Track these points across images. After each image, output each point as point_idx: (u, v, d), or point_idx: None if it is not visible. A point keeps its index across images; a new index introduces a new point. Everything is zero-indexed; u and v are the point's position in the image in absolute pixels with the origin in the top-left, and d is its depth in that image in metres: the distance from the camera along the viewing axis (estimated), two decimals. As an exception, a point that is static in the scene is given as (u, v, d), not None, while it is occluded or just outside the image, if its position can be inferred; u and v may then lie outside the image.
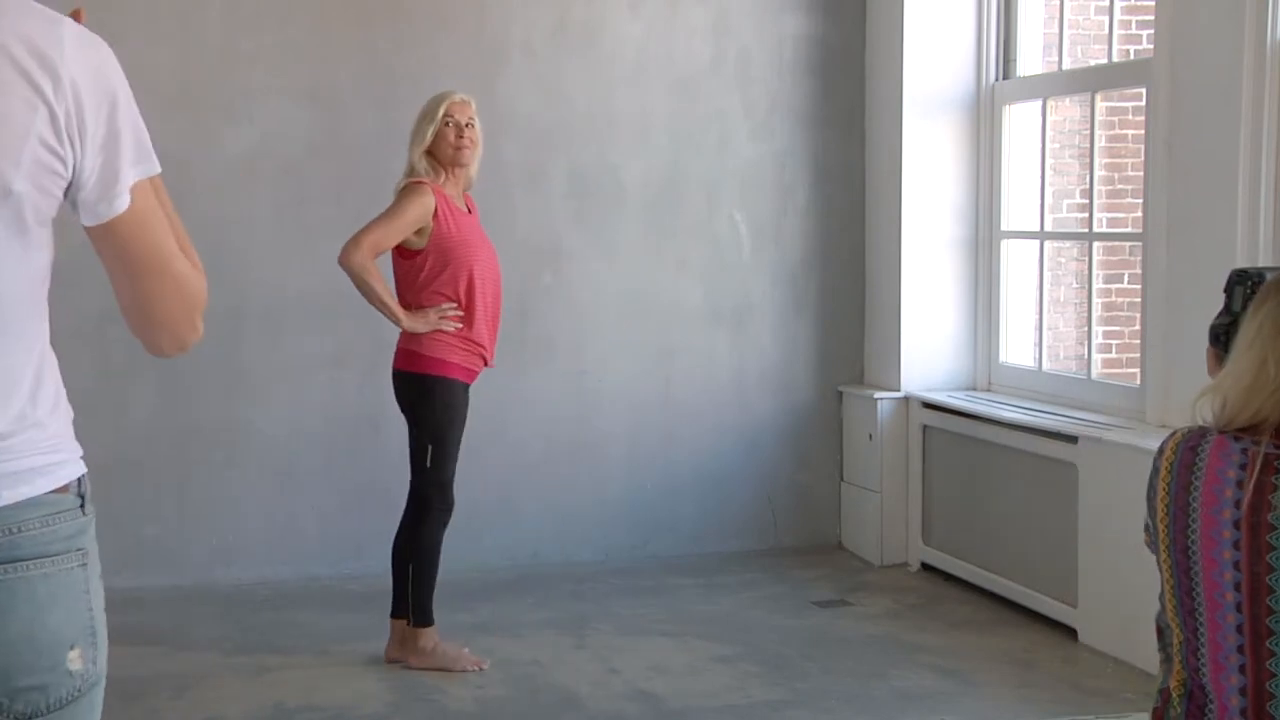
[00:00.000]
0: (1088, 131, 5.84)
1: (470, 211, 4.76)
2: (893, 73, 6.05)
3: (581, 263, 6.06)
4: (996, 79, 5.96)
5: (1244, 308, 2.12)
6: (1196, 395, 2.07)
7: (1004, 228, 5.96)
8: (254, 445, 5.76)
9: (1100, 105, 5.85)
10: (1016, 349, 5.99)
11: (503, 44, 5.93)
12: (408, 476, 4.71)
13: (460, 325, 4.61)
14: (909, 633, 5.14)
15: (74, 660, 1.76)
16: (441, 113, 4.65)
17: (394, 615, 4.75)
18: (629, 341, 6.12)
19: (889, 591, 5.69)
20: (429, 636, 4.70)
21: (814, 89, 6.28)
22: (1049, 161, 5.93)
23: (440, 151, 4.66)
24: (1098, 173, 6.08)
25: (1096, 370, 5.69)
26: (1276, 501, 1.93)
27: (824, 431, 6.36)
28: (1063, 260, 8.06)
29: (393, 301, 4.60)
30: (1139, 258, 5.38)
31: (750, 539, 6.26)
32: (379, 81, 5.77)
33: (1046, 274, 6.10)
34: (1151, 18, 5.04)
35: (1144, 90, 5.08)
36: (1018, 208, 5.96)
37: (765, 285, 6.27)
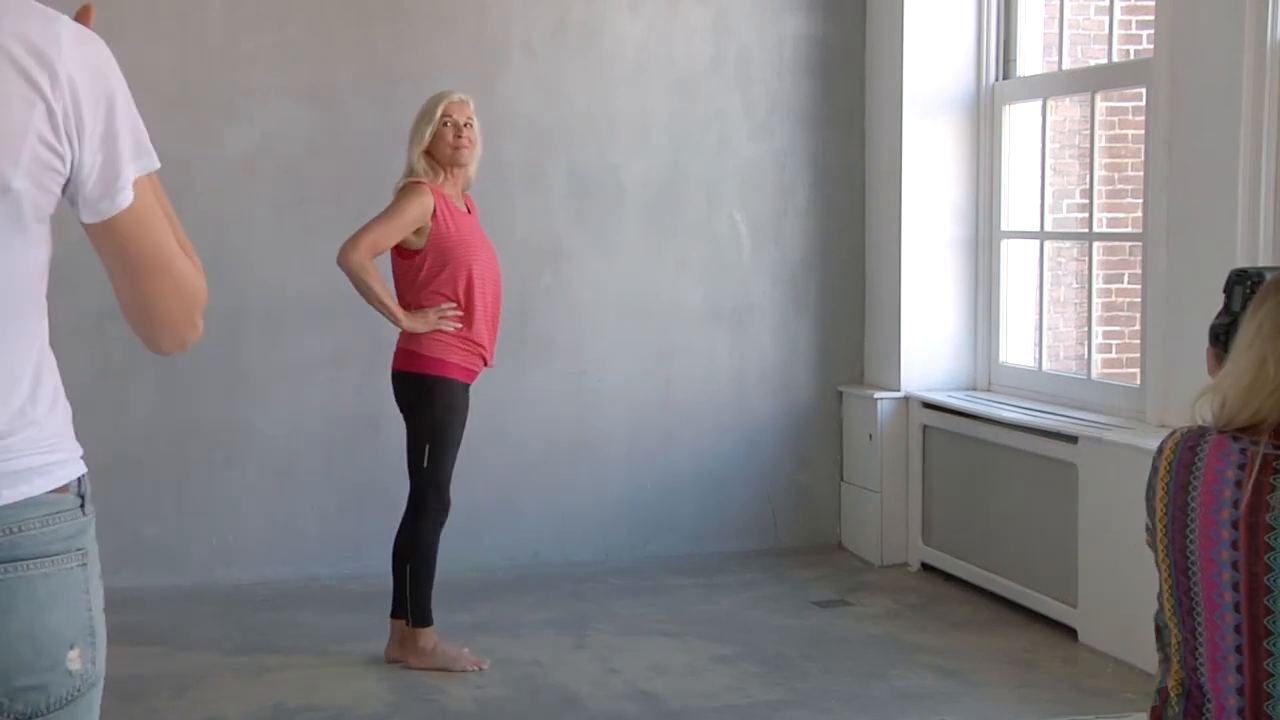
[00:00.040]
0: (1088, 131, 5.84)
1: (470, 211, 4.76)
2: (893, 73, 6.05)
3: (581, 263, 6.06)
4: (996, 79, 5.96)
5: (1243, 307, 2.12)
6: (1196, 395, 2.07)
7: (1004, 228, 5.96)
8: (254, 445, 5.76)
9: (1100, 105, 5.85)
10: (1016, 349, 5.99)
11: (503, 44, 5.93)
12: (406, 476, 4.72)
13: (459, 325, 4.62)
14: (909, 633, 5.14)
15: (73, 660, 1.76)
16: (439, 113, 4.65)
17: (394, 615, 4.75)
18: (629, 341, 6.12)
19: (889, 591, 5.69)
20: (428, 636, 4.70)
21: (814, 89, 6.28)
22: (1049, 161, 5.93)
23: (438, 151, 4.66)
24: (1098, 173, 6.08)
25: (1096, 370, 5.69)
26: (1275, 502, 1.93)
27: (824, 431, 6.36)
28: (1063, 260, 8.06)
29: (391, 301, 4.60)
30: (1139, 258, 5.37)
31: (750, 539, 6.26)
32: (379, 81, 5.77)
33: (1046, 274, 6.10)
34: (1151, 18, 5.04)
35: (1144, 90, 5.08)
36: (1018, 208, 5.96)
37: (765, 285, 6.27)
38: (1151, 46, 5.07)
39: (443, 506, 4.69)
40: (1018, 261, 5.99)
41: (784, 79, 6.24)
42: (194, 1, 5.65)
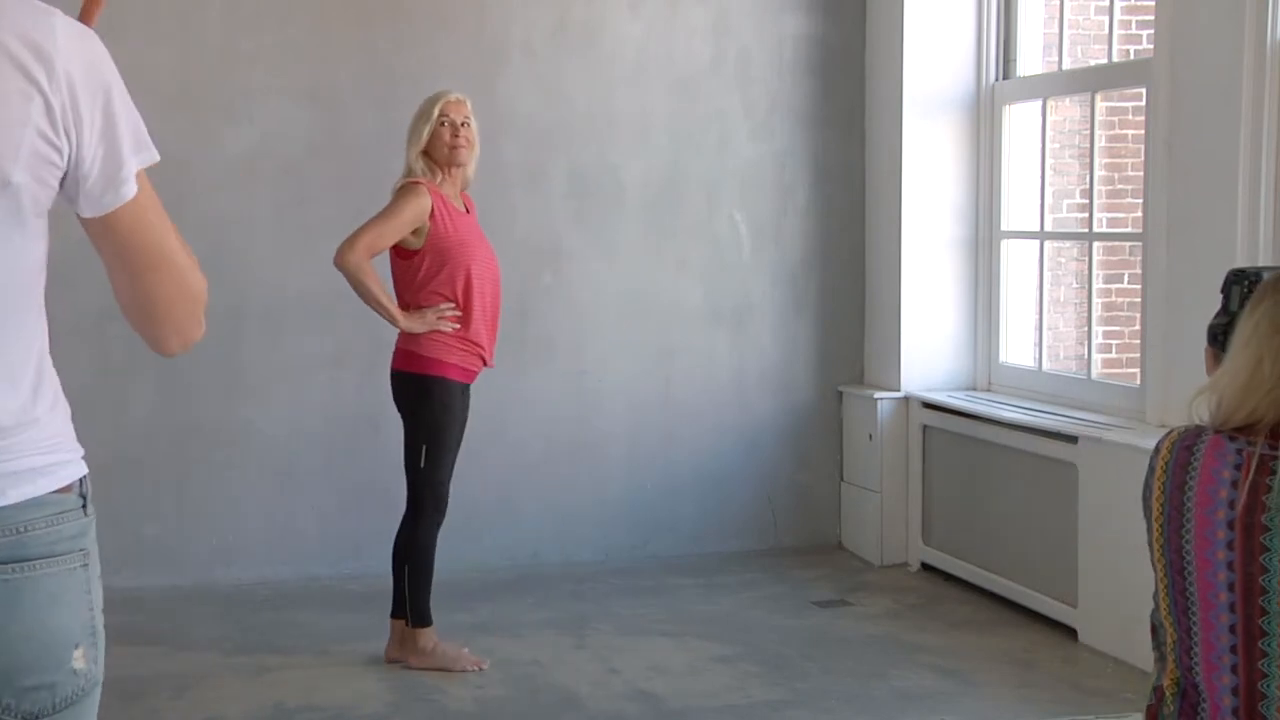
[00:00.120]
0: (1088, 131, 5.84)
1: (468, 211, 4.76)
2: (893, 73, 6.05)
3: (581, 263, 6.06)
4: (996, 79, 5.96)
5: (1241, 307, 2.12)
6: (1192, 394, 2.07)
7: (1004, 228, 5.96)
8: (254, 445, 5.76)
9: (1100, 105, 5.85)
10: (1016, 349, 5.99)
11: (503, 44, 5.93)
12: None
13: (457, 325, 4.61)
14: (909, 633, 5.14)
15: (78, 660, 1.77)
16: (436, 112, 4.65)
17: (394, 615, 4.75)
18: (629, 341, 6.12)
19: (889, 591, 5.70)
20: (428, 636, 4.70)
21: (814, 89, 6.28)
22: (1049, 161, 5.93)
23: (436, 151, 4.65)
24: (1098, 173, 6.08)
25: (1096, 370, 5.69)
26: (1270, 502, 1.93)
27: (824, 431, 6.36)
28: (1063, 260, 8.06)
29: (389, 302, 4.59)
30: (1139, 258, 5.38)
31: (750, 539, 6.26)
32: (379, 81, 5.77)
33: (1046, 274, 6.10)
34: (1151, 18, 5.04)
35: (1144, 90, 5.08)
36: (1018, 208, 5.96)
37: (765, 285, 6.28)
38: (1151, 46, 5.08)
39: (440, 508, 4.68)
40: (1018, 261, 5.99)
41: (784, 79, 6.24)
42: (194, 1, 5.65)
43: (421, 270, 4.60)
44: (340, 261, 4.53)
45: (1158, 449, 2.07)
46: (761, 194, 6.24)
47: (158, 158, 1.78)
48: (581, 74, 6.02)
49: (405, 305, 4.63)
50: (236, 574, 5.72)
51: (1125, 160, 7.89)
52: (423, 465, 4.62)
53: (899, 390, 6.04)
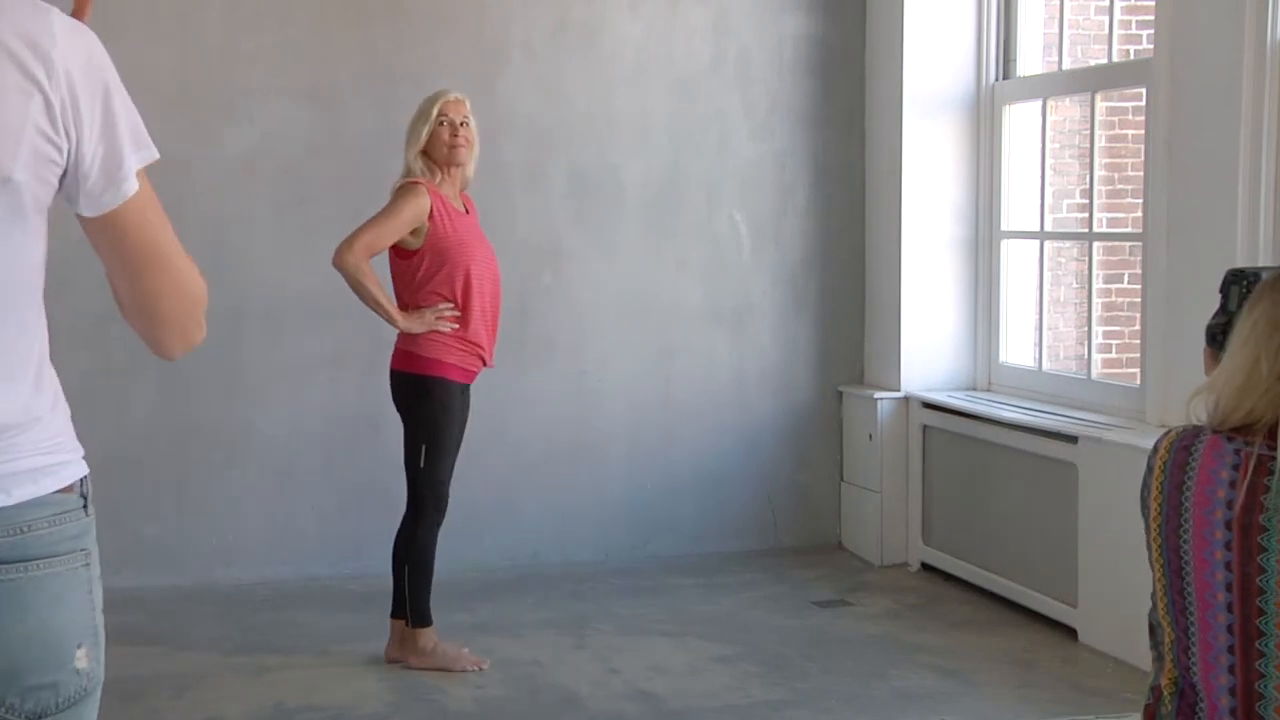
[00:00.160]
0: (1088, 131, 5.84)
1: (468, 211, 4.76)
2: (893, 73, 6.05)
3: (581, 263, 6.06)
4: (996, 79, 5.96)
5: (1239, 307, 2.12)
6: (1190, 394, 2.07)
7: (1004, 228, 5.96)
8: (254, 445, 5.76)
9: (1100, 105, 5.85)
10: (1016, 349, 5.99)
11: (503, 44, 5.93)
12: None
13: (456, 325, 4.61)
14: (909, 633, 5.14)
15: (81, 659, 1.77)
16: (435, 112, 4.65)
17: (394, 615, 4.75)
18: (629, 341, 6.12)
19: (889, 591, 5.70)
20: (428, 636, 4.70)
21: (814, 89, 6.28)
22: (1049, 161, 5.93)
23: (435, 151, 4.65)
24: (1098, 173, 6.08)
25: (1096, 370, 5.69)
26: (1268, 502, 1.93)
27: (824, 431, 6.36)
28: (1063, 260, 8.06)
29: (387, 302, 4.59)
30: (1139, 258, 5.38)
31: (750, 539, 6.26)
32: (379, 81, 5.77)
33: (1046, 274, 6.10)
34: (1151, 18, 5.04)
35: (1144, 90, 5.08)
36: (1018, 208, 5.96)
37: (765, 285, 6.28)
38: (1151, 46, 5.08)
39: (440, 508, 4.68)
40: (1018, 261, 5.99)
41: (784, 79, 6.24)
42: (194, 1, 5.65)
43: (420, 270, 4.60)
44: (339, 261, 4.53)
45: (1156, 449, 2.07)
46: (761, 194, 6.25)
47: (157, 155, 1.77)
48: (581, 74, 6.02)
49: (404, 305, 4.63)
50: (236, 574, 5.72)
51: (1125, 160, 7.89)
52: (422, 465, 4.62)
53: (899, 390, 6.05)
